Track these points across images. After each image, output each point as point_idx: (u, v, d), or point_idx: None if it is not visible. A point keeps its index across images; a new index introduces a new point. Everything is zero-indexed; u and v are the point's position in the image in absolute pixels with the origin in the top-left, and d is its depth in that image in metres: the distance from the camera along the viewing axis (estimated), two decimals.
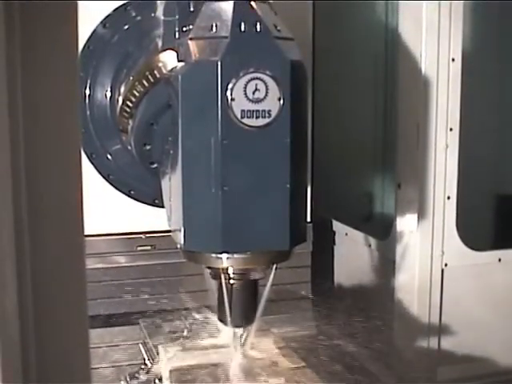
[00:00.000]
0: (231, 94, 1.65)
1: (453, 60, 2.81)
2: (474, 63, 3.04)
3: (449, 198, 2.88)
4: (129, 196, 2.59)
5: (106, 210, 2.64)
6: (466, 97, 2.86)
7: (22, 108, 0.77)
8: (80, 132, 0.86)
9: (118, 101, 2.27)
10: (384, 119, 3.38)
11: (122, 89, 2.23)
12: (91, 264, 2.64)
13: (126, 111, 2.04)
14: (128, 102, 2.01)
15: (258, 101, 1.67)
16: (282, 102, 1.68)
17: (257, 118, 1.67)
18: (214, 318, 2.08)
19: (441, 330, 2.96)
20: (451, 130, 2.84)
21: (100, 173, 2.56)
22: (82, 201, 0.86)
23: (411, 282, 2.92)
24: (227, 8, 1.72)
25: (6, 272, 0.77)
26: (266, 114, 1.67)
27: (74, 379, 0.87)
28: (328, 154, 3.46)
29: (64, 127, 0.83)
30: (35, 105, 0.79)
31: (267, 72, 1.67)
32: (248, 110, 1.66)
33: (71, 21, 0.80)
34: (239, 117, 1.66)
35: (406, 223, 2.93)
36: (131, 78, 2.03)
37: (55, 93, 0.82)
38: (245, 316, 1.91)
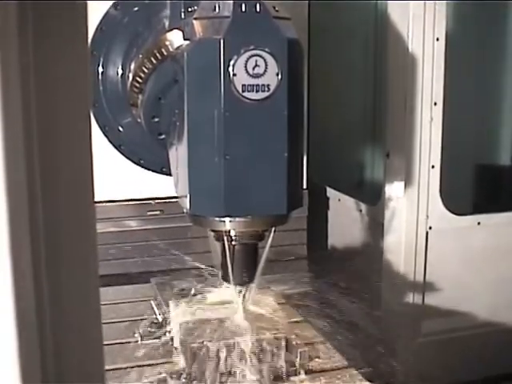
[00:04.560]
0: (233, 70, 1.62)
1: (437, 39, 2.78)
2: (457, 42, 3.01)
3: (433, 166, 2.86)
4: (139, 165, 2.57)
5: (118, 178, 2.62)
6: (449, 73, 2.84)
7: (35, 84, 0.74)
8: (90, 104, 0.83)
9: (128, 77, 2.24)
10: (374, 95, 3.36)
11: (132, 66, 2.20)
12: (105, 228, 2.63)
13: (135, 87, 2.01)
14: (138, 78, 1.98)
15: (257, 76, 1.64)
16: (279, 77, 1.65)
17: (257, 91, 1.64)
18: (217, 276, 2.06)
19: (425, 287, 2.96)
20: (435, 104, 2.82)
21: (112, 144, 2.54)
22: (93, 169, 0.83)
23: (398, 244, 2.91)
24: None
25: (22, 237, 0.74)
26: (265, 88, 1.65)
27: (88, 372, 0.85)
28: (323, 126, 3.43)
29: (75, 100, 0.80)
30: (47, 80, 0.76)
31: (266, 49, 1.64)
32: (248, 85, 1.63)
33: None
34: (240, 91, 1.63)
35: (393, 190, 2.91)
36: (140, 55, 2.00)
37: (66, 69, 0.79)
38: (246, 275, 1.89)
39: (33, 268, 0.75)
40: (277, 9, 1.73)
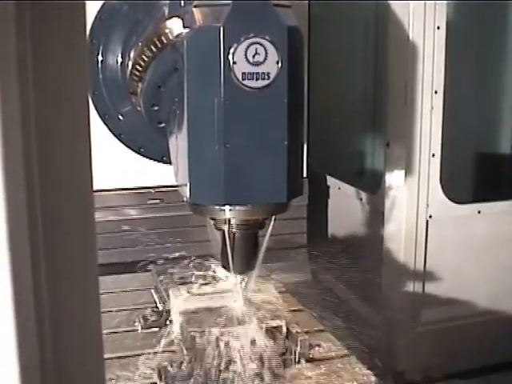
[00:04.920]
0: (233, 58, 1.61)
1: (438, 28, 2.77)
2: (457, 31, 3.00)
3: (433, 155, 2.86)
4: (139, 153, 2.56)
5: (118, 167, 2.61)
6: (450, 62, 2.83)
7: (32, 75, 0.74)
8: (88, 92, 0.82)
9: (128, 65, 2.23)
10: (374, 83, 3.35)
11: (132, 54, 2.20)
12: (105, 216, 2.63)
13: (135, 75, 2.00)
14: (137, 67, 1.97)
15: (257, 64, 1.63)
16: (280, 64, 1.64)
17: (257, 79, 1.63)
18: (218, 265, 2.06)
19: (425, 275, 2.96)
20: (436, 92, 2.81)
21: (112, 132, 2.54)
22: (91, 158, 0.82)
23: (398, 232, 2.91)
24: None
25: (21, 226, 0.74)
26: (266, 76, 1.64)
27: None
28: (323, 115, 3.42)
29: (73, 90, 0.80)
30: (46, 69, 0.76)
31: (266, 37, 1.63)
32: (248, 73, 1.63)
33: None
34: (240, 79, 1.62)
35: (394, 178, 2.91)
36: (140, 44, 1.99)
37: (65, 59, 0.78)
38: (246, 263, 1.89)
39: (31, 257, 0.75)
40: None
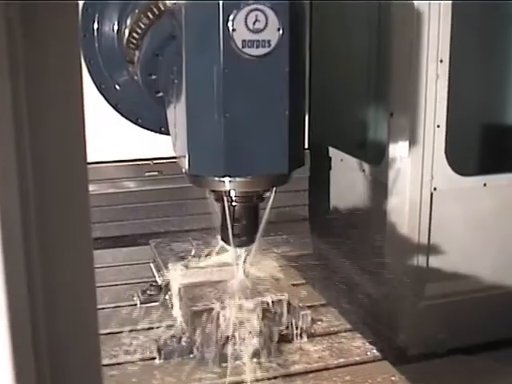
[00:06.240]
0: (232, 25, 1.59)
1: None
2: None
3: (438, 126, 2.85)
4: (136, 124, 2.54)
5: (115, 138, 2.59)
6: (456, 30, 2.80)
7: (22, 46, 0.72)
8: (81, 62, 0.80)
9: (124, 33, 2.20)
10: (378, 52, 3.32)
11: (129, 21, 2.16)
12: (103, 189, 2.62)
13: (132, 43, 1.98)
14: (134, 34, 1.95)
15: (258, 31, 1.60)
16: (281, 32, 1.61)
17: (257, 47, 1.60)
18: (217, 238, 2.05)
19: (429, 249, 2.96)
20: (441, 61, 2.79)
21: (109, 102, 2.51)
22: (85, 130, 0.80)
23: (402, 205, 2.90)
24: None
25: (11, 200, 0.72)
26: (266, 44, 1.61)
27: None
28: (325, 84, 3.40)
29: (65, 58, 0.78)
30: (37, 42, 0.74)
31: (267, 3, 1.60)
32: (249, 40, 1.60)
33: None
34: (240, 46, 1.59)
35: (397, 150, 2.90)
36: (137, 11, 1.96)
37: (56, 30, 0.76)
38: (246, 236, 1.88)
39: (22, 232, 0.73)
40: None
